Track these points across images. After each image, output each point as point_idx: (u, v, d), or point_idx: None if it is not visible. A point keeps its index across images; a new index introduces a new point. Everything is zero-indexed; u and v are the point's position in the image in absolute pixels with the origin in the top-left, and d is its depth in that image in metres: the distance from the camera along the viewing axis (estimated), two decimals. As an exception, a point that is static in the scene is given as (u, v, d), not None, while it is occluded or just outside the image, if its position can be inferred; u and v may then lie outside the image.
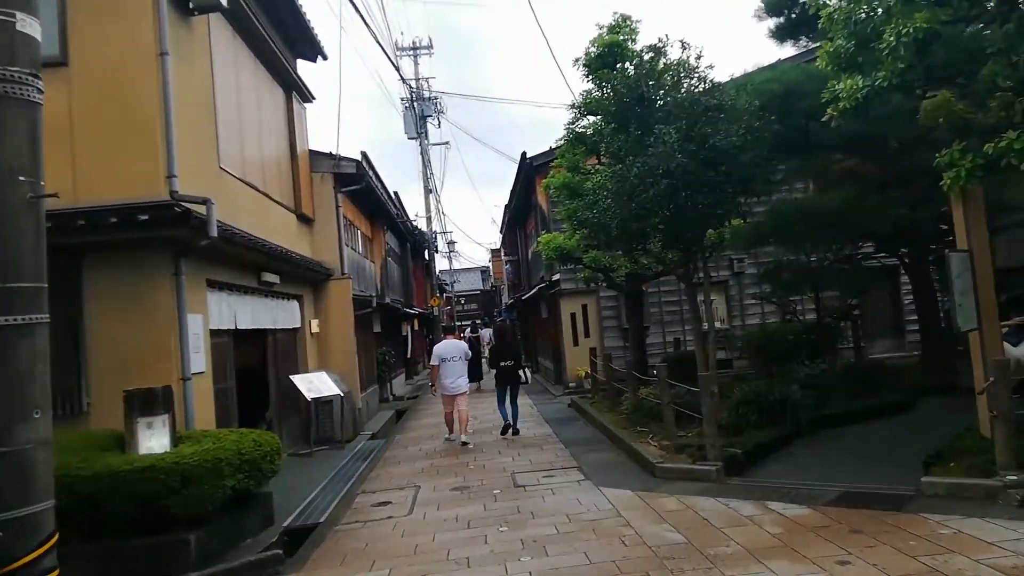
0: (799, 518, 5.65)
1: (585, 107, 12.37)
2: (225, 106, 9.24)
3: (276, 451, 7.00)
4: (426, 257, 32.30)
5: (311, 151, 13.55)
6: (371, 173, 14.52)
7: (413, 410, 17.10)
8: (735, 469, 7.26)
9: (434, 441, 11.62)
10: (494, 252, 34.08)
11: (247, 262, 9.38)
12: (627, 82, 8.78)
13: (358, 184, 13.81)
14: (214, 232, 7.02)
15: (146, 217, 6.63)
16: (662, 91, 8.73)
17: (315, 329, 12.95)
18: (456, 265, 56.06)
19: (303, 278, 12.42)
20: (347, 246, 14.56)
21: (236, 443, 6.41)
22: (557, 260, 12.45)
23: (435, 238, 31.52)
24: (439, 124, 41.08)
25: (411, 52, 30.79)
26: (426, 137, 31.19)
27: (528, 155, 17.55)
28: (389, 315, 20.45)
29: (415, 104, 30.44)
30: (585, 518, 6.18)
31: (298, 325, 12.30)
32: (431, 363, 11.69)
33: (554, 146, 15.40)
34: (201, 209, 7.05)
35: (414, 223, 26.46)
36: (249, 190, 9.93)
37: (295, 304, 12.24)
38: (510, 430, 11.20)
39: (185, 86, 7.73)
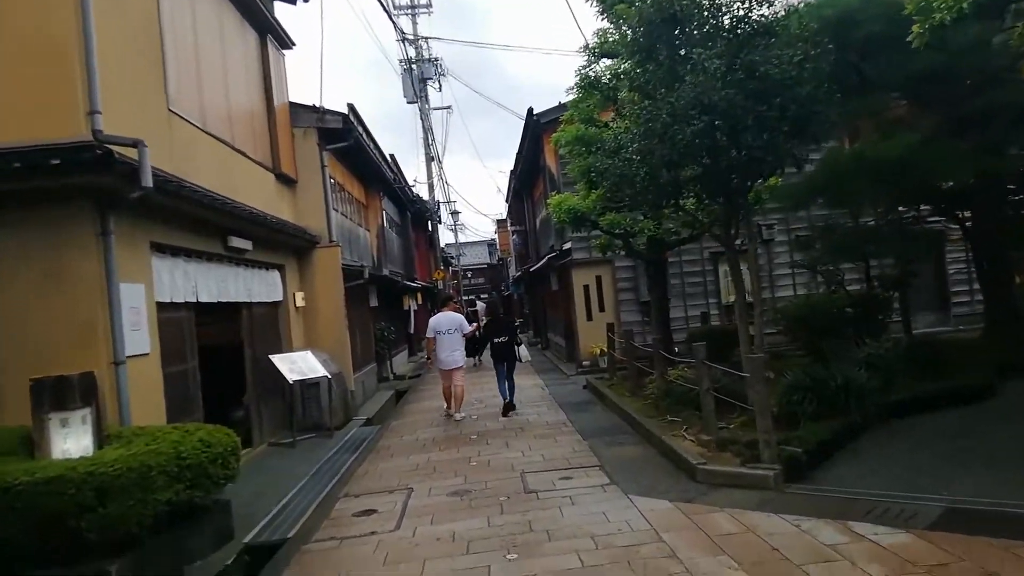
0: (901, 549, 4.26)
1: (600, 49, 10.83)
2: (177, 41, 7.77)
3: (231, 451, 5.65)
4: (429, 228, 30.89)
5: (292, 103, 12.06)
6: (360, 129, 13.04)
7: (414, 390, 15.80)
8: (796, 473, 5.88)
9: (434, 429, 10.30)
10: (500, 223, 32.58)
11: (208, 224, 7.98)
12: (656, 1, 7.24)
13: (345, 141, 12.33)
14: (148, 181, 5.60)
15: (57, 161, 5.21)
16: (697, 10, 7.19)
17: (300, 303, 11.58)
18: (462, 238, 54.61)
19: (284, 245, 11.03)
20: (336, 211, 13.13)
21: (175, 444, 5.06)
22: (570, 224, 11.00)
23: (438, 208, 30.04)
24: (440, 87, 39.46)
25: (409, 11, 29.03)
26: (426, 101, 29.62)
27: (535, 111, 16.01)
28: (388, 288, 19.08)
29: (414, 65, 28.82)
30: (617, 543, 4.81)
31: (279, 298, 10.93)
32: (426, 335, 11.17)
33: (564, 100, 13.88)
34: (132, 153, 5.64)
35: (415, 191, 24.96)
36: (210, 141, 8.48)
37: (275, 275, 10.86)
38: (511, 411, 10.67)
39: (116, 7, 6.27)
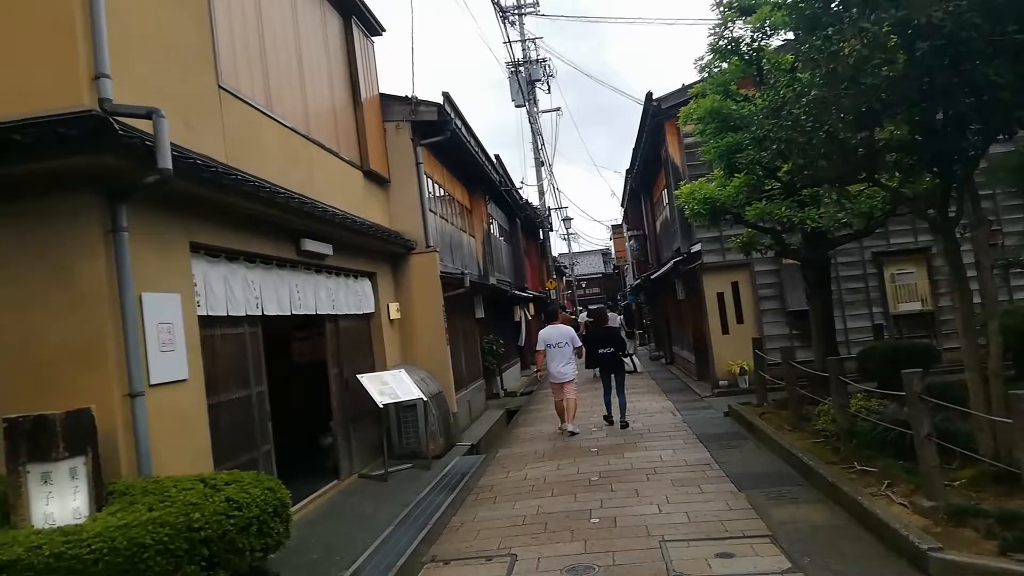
0: None
1: (738, 3, 8.84)
2: (231, 5, 6.62)
3: (275, 512, 4.24)
4: (540, 236, 29.44)
5: (383, 95, 10.88)
6: (458, 122, 11.67)
7: (526, 410, 14.20)
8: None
9: (546, 463, 8.62)
10: (615, 228, 30.54)
11: (275, 224, 6.75)
12: None
13: (441, 134, 10.99)
14: (166, 161, 4.32)
15: (39, 133, 4.01)
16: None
17: (395, 315, 10.30)
18: (575, 247, 52.97)
19: (374, 251, 9.78)
20: (434, 213, 11.83)
21: (189, 509, 3.70)
22: (705, 217, 9.04)
23: (549, 214, 28.53)
24: (549, 89, 37.98)
25: (515, 12, 27.81)
26: (535, 104, 28.29)
27: (655, 96, 14.08)
28: (496, 298, 17.68)
29: (521, 68, 27.56)
30: None
31: (371, 310, 9.69)
32: (536, 348, 10.77)
33: (689, 83, 11.93)
34: (146, 126, 4.39)
35: (523, 196, 23.53)
36: (278, 128, 7.30)
37: (365, 284, 9.62)
38: (621, 423, 10.29)
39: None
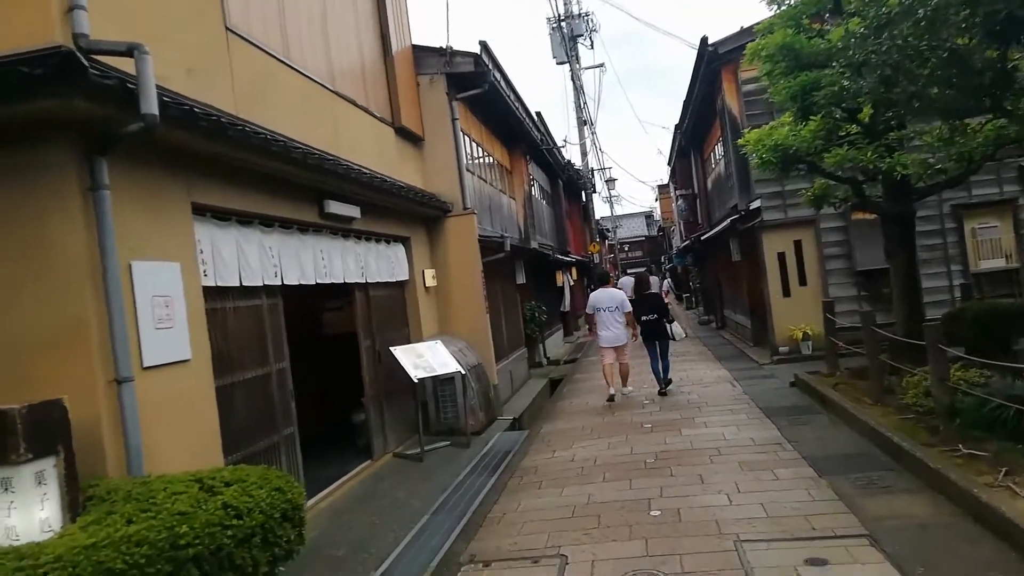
0: None
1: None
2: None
3: (285, 516, 3.64)
4: (583, 198, 28.42)
5: (415, 47, 10.06)
6: (497, 74, 10.80)
7: (571, 379, 13.50)
8: None
9: (596, 441, 7.92)
10: (661, 188, 29.25)
11: (294, 184, 6.08)
12: None
13: (479, 87, 10.14)
14: (150, 106, 3.64)
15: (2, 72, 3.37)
16: None
17: (431, 282, 9.64)
18: (618, 210, 51.60)
19: (408, 213, 9.09)
20: (471, 174, 11.06)
21: (176, 521, 3.09)
22: (775, 166, 8.04)
23: (592, 175, 27.44)
24: (591, 45, 36.44)
25: (557, -40, 26.38)
26: (577, 60, 27.02)
27: (711, 41, 12.92)
28: (538, 263, 16.92)
29: (563, 23, 26.27)
30: None
31: (404, 277, 9.03)
32: (586, 311, 10.79)
33: (749, 24, 10.81)
34: (126, 64, 3.71)
35: (565, 156, 22.53)
36: (297, 79, 6.59)
37: (399, 249, 8.96)
38: (661, 384, 10.22)
39: None
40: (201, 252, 4.92)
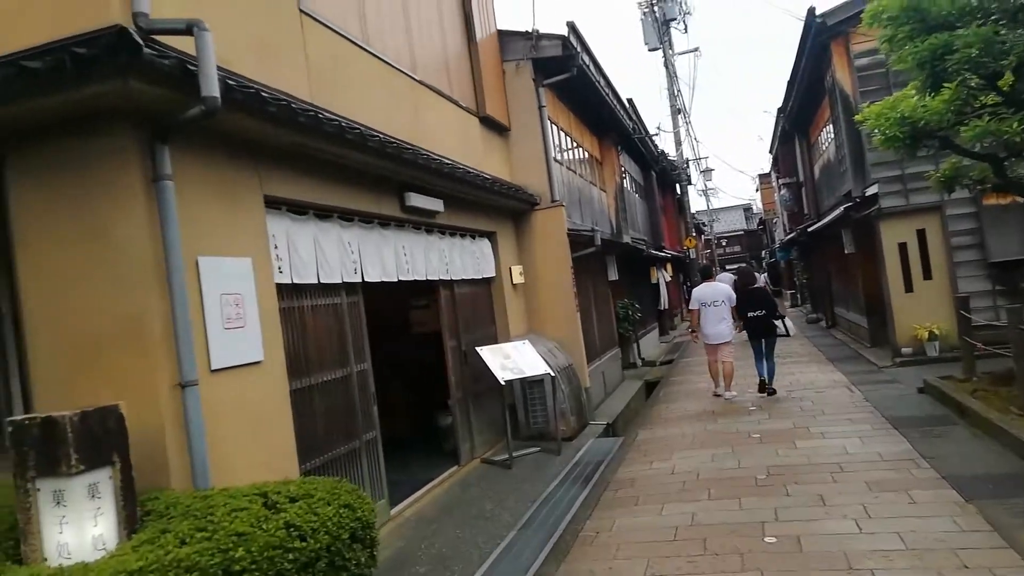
0: None
1: None
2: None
3: (356, 536, 3.29)
4: (677, 191, 27.33)
5: (500, 32, 9.66)
6: (586, 57, 10.24)
7: (668, 382, 12.76)
8: None
9: (698, 451, 7.25)
10: (762, 177, 27.66)
11: (373, 175, 5.79)
12: None
13: (567, 71, 9.62)
14: (211, 88, 3.38)
15: (55, 58, 3.16)
16: None
17: (518, 278, 9.22)
18: (714, 203, 49.70)
19: (494, 207, 8.69)
20: (560, 164, 10.56)
21: (233, 543, 2.79)
22: (902, 144, 7.09)
23: (687, 166, 26.32)
24: (686, 29, 35.06)
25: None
26: (670, 46, 25.99)
27: (819, 12, 11.84)
28: (631, 258, 16.21)
29: (655, 6, 25.32)
30: None
31: (491, 274, 8.65)
32: (689, 307, 10.33)
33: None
34: (191, 46, 3.45)
35: (658, 146, 21.59)
36: (375, 64, 6.29)
37: (484, 245, 8.58)
38: (767, 390, 9.55)
39: None
40: (276, 247, 4.67)
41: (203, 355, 3.73)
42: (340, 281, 5.43)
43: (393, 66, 6.61)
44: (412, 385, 8.79)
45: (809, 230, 18.02)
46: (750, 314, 9.57)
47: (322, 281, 5.17)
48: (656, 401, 10.89)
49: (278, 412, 4.32)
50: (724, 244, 56.30)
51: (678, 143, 25.54)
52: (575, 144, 12.09)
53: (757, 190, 30.75)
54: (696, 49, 31.23)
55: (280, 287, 4.61)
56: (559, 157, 10.58)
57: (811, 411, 8.52)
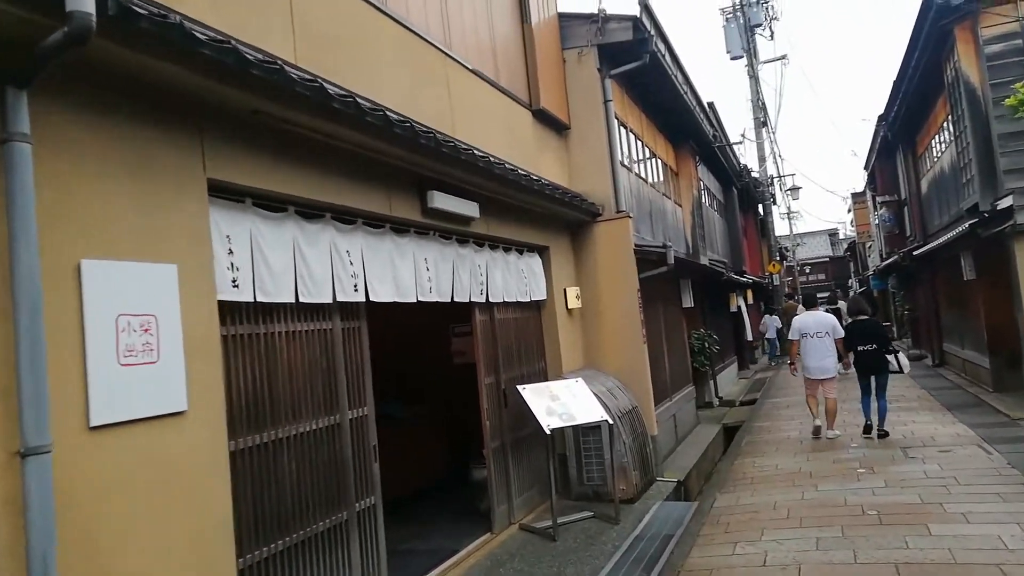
0: None
1: None
2: None
3: None
4: (760, 211, 25.31)
5: (561, 15, 8.37)
6: (660, 44, 8.82)
7: (751, 427, 10.97)
8: None
9: (796, 531, 5.62)
10: (855, 197, 25.24)
11: (377, 164, 4.55)
12: None
13: (638, 59, 8.21)
14: (81, 2, 2.18)
15: None
16: None
17: (573, 303, 7.81)
18: (798, 227, 46.80)
19: (547, 216, 7.35)
20: (628, 170, 9.15)
21: None
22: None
23: (771, 184, 24.33)
24: (772, 35, 32.93)
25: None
26: (755, 54, 24.18)
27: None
28: (708, 283, 14.51)
29: (740, 12, 23.66)
30: None
31: (541, 296, 7.29)
32: (789, 338, 9.63)
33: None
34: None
35: (740, 160, 19.80)
36: (393, 28, 5.08)
37: (534, 261, 7.24)
38: (873, 431, 8.60)
39: None
40: (231, 252, 3.47)
41: (74, 405, 2.51)
42: (331, 301, 4.19)
43: (420, 36, 5.39)
44: (448, 427, 7.50)
45: (915, 254, 15.85)
46: (860, 348, 8.61)
47: (303, 300, 3.94)
48: (738, 452, 9.19)
49: (207, 482, 3.06)
50: (808, 271, 52.92)
51: (762, 159, 23.65)
52: (646, 150, 10.64)
53: (849, 211, 28.24)
54: (783, 57, 29.22)
55: (229, 306, 3.39)
56: (627, 162, 9.16)
57: (939, 478, 6.72)
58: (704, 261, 12.59)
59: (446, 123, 5.45)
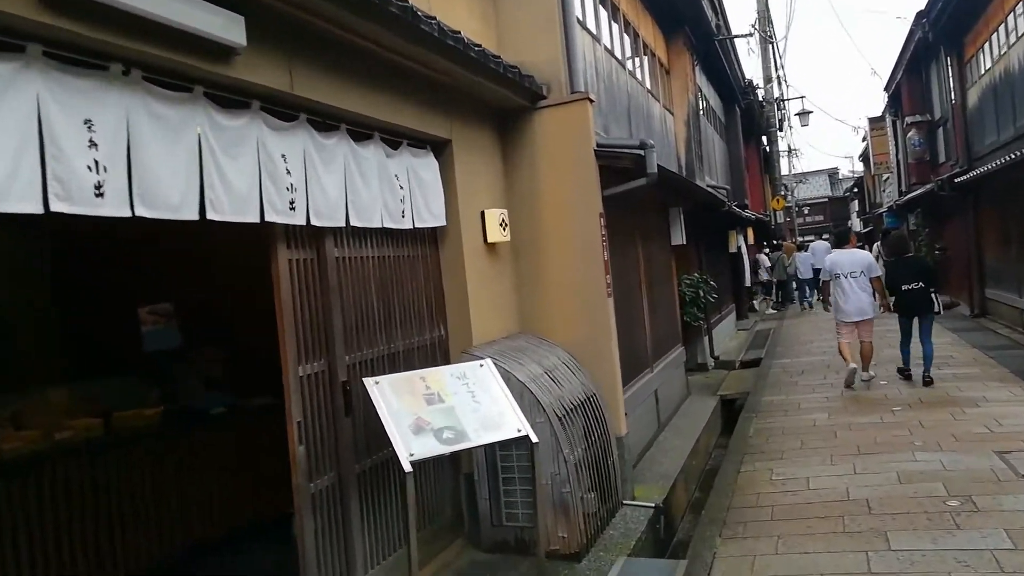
0: None
1: None
2: None
3: None
4: (764, 142, 22.33)
5: None
6: None
7: (760, 403, 8.24)
8: None
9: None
10: (872, 121, 22.15)
11: None
12: None
13: None
14: None
15: None
16: None
17: (497, 234, 4.96)
18: (796, 167, 43.78)
19: (447, 92, 4.44)
20: (594, 40, 6.20)
21: None
22: None
23: (778, 107, 21.29)
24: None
25: None
26: (763, -44, 20.76)
27: None
28: (703, 215, 11.62)
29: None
30: None
31: (436, 222, 4.44)
32: (821, 278, 8.98)
33: None
34: None
35: (745, 74, 16.70)
36: None
37: (422, 163, 4.37)
38: (924, 379, 7.76)
39: None
40: None
41: None
42: None
43: None
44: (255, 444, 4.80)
45: (956, 181, 12.99)
46: (904, 287, 7.90)
47: None
48: (745, 448, 6.45)
49: None
50: (806, 212, 50.10)
51: (767, 79, 20.54)
52: (627, 26, 7.63)
53: (865, 139, 25.16)
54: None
55: None
56: (591, 27, 6.21)
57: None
58: (704, 184, 9.70)
59: None
